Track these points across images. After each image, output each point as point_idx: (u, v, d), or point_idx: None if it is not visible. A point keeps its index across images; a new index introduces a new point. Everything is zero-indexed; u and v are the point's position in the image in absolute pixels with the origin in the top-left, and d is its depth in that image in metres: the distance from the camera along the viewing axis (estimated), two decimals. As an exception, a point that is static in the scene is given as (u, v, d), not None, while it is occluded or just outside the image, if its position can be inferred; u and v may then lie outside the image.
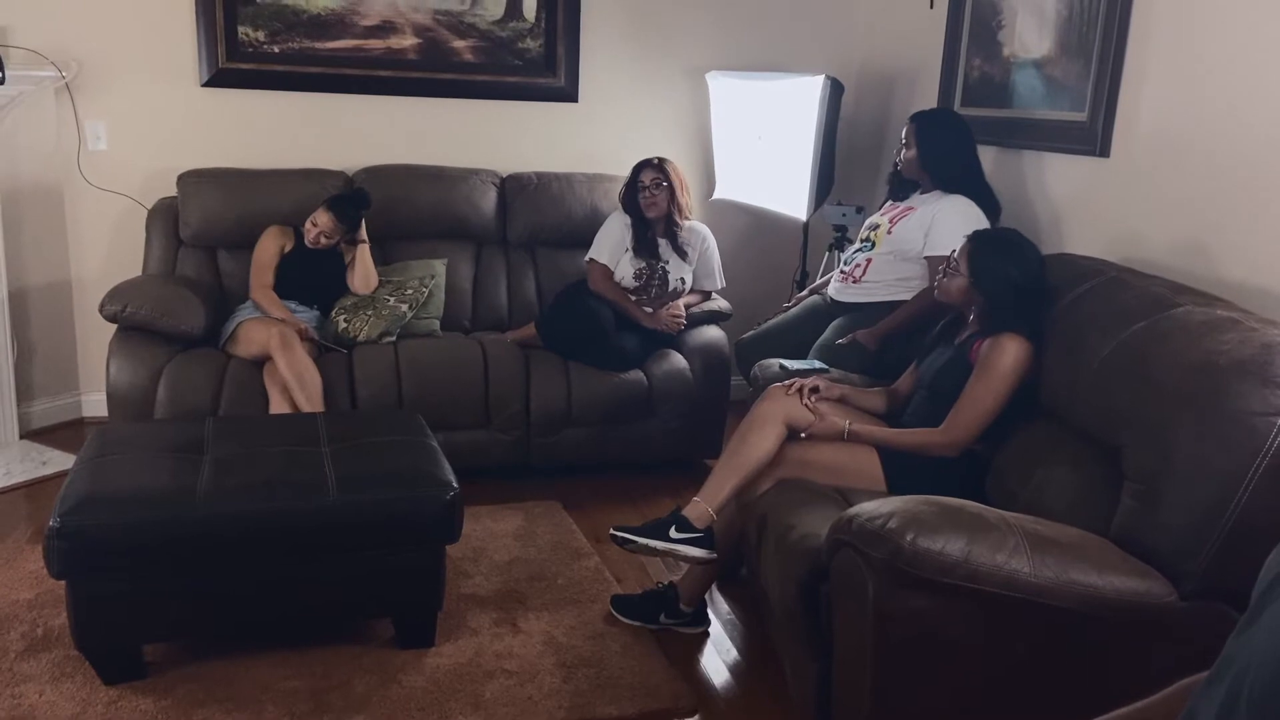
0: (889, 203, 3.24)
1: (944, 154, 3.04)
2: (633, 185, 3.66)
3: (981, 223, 2.87)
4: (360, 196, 3.59)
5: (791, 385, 2.55)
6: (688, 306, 3.70)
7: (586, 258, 3.69)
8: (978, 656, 1.76)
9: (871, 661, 1.78)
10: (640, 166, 3.66)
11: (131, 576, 2.15)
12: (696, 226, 3.77)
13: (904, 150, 3.11)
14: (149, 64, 3.74)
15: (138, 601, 2.17)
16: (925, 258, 2.98)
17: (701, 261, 3.75)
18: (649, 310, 3.63)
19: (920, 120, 3.12)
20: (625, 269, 3.65)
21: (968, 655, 1.77)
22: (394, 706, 2.20)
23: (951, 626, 1.75)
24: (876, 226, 3.18)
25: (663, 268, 3.64)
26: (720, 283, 3.80)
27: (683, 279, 3.69)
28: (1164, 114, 2.63)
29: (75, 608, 2.15)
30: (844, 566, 1.85)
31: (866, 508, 1.85)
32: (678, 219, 3.68)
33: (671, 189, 3.64)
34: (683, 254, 3.68)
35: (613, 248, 3.66)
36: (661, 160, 3.67)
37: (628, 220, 3.68)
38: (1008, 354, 2.32)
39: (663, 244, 3.67)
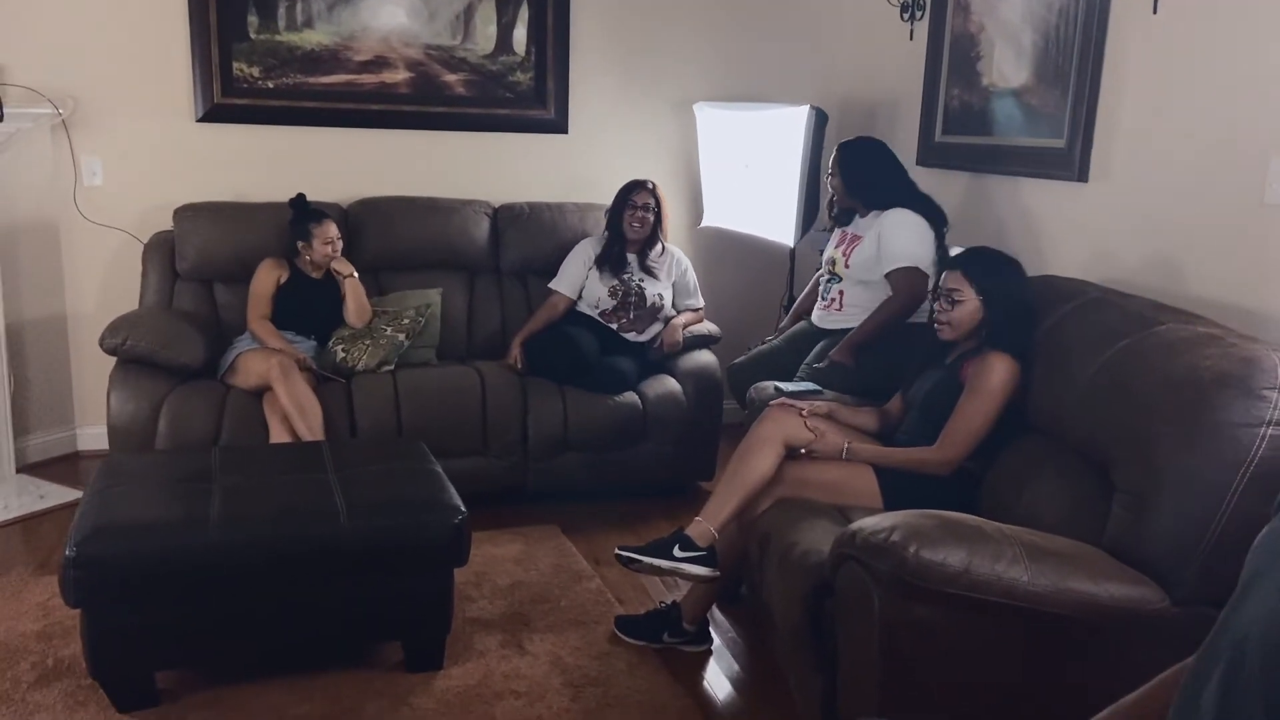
0: (837, 231, 3.35)
1: (865, 179, 3.20)
2: (621, 203, 3.75)
3: (922, 227, 3.04)
4: (295, 201, 3.63)
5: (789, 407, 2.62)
6: (686, 325, 3.80)
7: (549, 286, 3.83)
8: (980, 663, 1.82)
9: (878, 671, 1.84)
10: (633, 186, 3.76)
11: (145, 604, 2.18)
12: (670, 249, 3.87)
13: (831, 179, 3.27)
14: (145, 100, 3.79)
15: (151, 629, 2.20)
16: (886, 276, 3.08)
17: (680, 283, 3.85)
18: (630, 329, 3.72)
19: (840, 150, 3.29)
20: (598, 289, 3.73)
21: (970, 663, 1.83)
22: (406, 729, 2.24)
23: (954, 635, 1.81)
24: (834, 261, 3.29)
25: (638, 284, 3.72)
26: (700, 301, 3.92)
27: (660, 295, 3.76)
28: (1139, 139, 2.73)
29: (90, 636, 2.18)
30: (849, 580, 1.91)
31: (869, 522, 1.92)
32: (659, 242, 3.79)
33: (659, 215, 3.75)
34: (652, 273, 3.76)
35: (575, 275, 3.78)
36: (654, 185, 3.78)
37: (596, 240, 3.80)
38: (996, 373, 2.40)
39: (631, 260, 3.75)
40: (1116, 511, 1.97)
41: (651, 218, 3.74)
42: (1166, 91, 2.64)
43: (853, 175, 3.21)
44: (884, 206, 3.13)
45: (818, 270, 3.95)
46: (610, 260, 3.74)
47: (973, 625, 1.81)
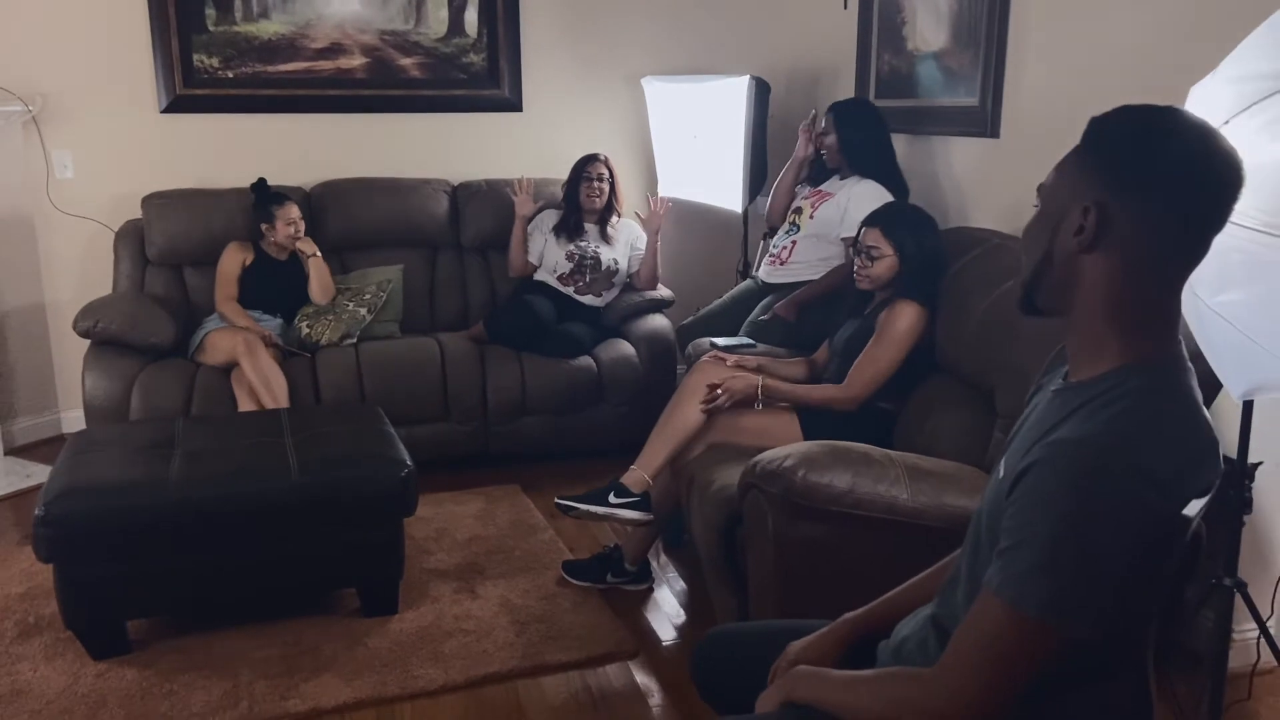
0: (808, 188, 3.48)
1: (859, 141, 3.29)
2: (577, 176, 3.92)
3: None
4: (256, 186, 3.82)
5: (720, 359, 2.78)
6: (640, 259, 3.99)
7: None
8: (867, 575, 1.98)
9: (775, 587, 2.01)
10: (587, 159, 3.94)
11: (113, 558, 2.35)
12: (627, 221, 4.06)
13: (824, 138, 3.36)
14: (110, 94, 3.94)
15: (120, 581, 2.37)
16: (842, 239, 3.23)
17: (634, 254, 4.02)
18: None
19: (838, 110, 3.37)
20: (556, 253, 3.92)
21: (859, 576, 1.97)
22: (360, 665, 2.41)
23: (844, 550, 1.98)
24: (799, 211, 3.43)
25: (594, 250, 3.91)
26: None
27: (615, 260, 3.95)
28: (1043, 96, 2.88)
29: (63, 589, 2.35)
30: (752, 506, 2.08)
31: (769, 453, 2.08)
32: (616, 211, 3.96)
33: (614, 185, 3.94)
34: (609, 240, 3.95)
35: (534, 241, 3.98)
36: (605, 157, 3.96)
37: (555, 212, 3.99)
38: (904, 318, 2.56)
39: (590, 230, 3.94)
40: (996, 435, 2.14)
41: (606, 188, 3.92)
42: (1066, 49, 2.78)
43: (848, 136, 3.28)
44: (864, 172, 3.25)
45: (764, 234, 4.12)
46: (568, 228, 3.93)
47: (860, 540, 1.98)
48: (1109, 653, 1.03)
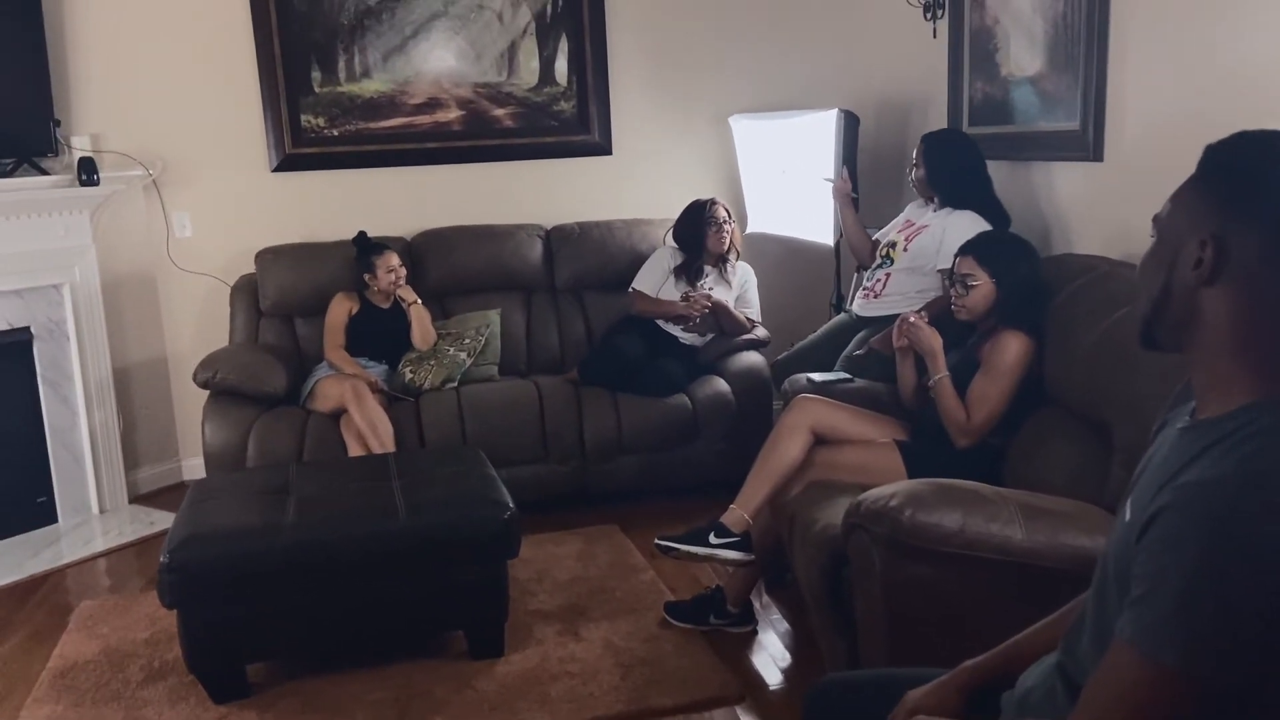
0: (905, 220, 3.43)
1: (950, 172, 3.24)
2: (699, 220, 3.91)
3: None
4: (357, 239, 3.95)
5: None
6: (729, 312, 3.90)
7: (630, 288, 3.98)
8: (981, 618, 1.92)
9: (885, 629, 1.96)
10: (707, 204, 3.93)
11: (233, 602, 2.44)
12: (741, 263, 4.05)
13: (915, 170, 3.33)
14: (225, 156, 4.15)
15: (240, 625, 2.46)
16: (938, 270, 3.17)
17: (743, 295, 4.01)
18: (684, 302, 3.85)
19: (928, 141, 3.33)
20: (672, 294, 3.91)
21: (972, 617, 1.93)
22: (469, 709, 2.44)
23: (955, 593, 1.93)
24: (894, 244, 3.38)
25: (708, 291, 3.89)
26: (758, 313, 4.06)
27: (726, 302, 3.92)
28: (1148, 116, 2.79)
29: (186, 633, 2.45)
30: (857, 546, 2.04)
31: (874, 492, 2.04)
32: (737, 249, 3.98)
33: (734, 226, 3.96)
34: (726, 280, 3.95)
35: (655, 277, 3.96)
36: (719, 200, 3.98)
37: (674, 252, 3.98)
38: (1009, 351, 2.49)
39: (710, 272, 3.93)
40: (1115, 470, 2.06)
41: (733, 227, 3.94)
42: (1170, 67, 2.69)
43: (936, 167, 3.25)
44: (959, 203, 3.20)
45: (858, 266, 4.08)
46: (690, 272, 3.93)
47: (972, 582, 1.92)
48: (1252, 701, 0.98)
